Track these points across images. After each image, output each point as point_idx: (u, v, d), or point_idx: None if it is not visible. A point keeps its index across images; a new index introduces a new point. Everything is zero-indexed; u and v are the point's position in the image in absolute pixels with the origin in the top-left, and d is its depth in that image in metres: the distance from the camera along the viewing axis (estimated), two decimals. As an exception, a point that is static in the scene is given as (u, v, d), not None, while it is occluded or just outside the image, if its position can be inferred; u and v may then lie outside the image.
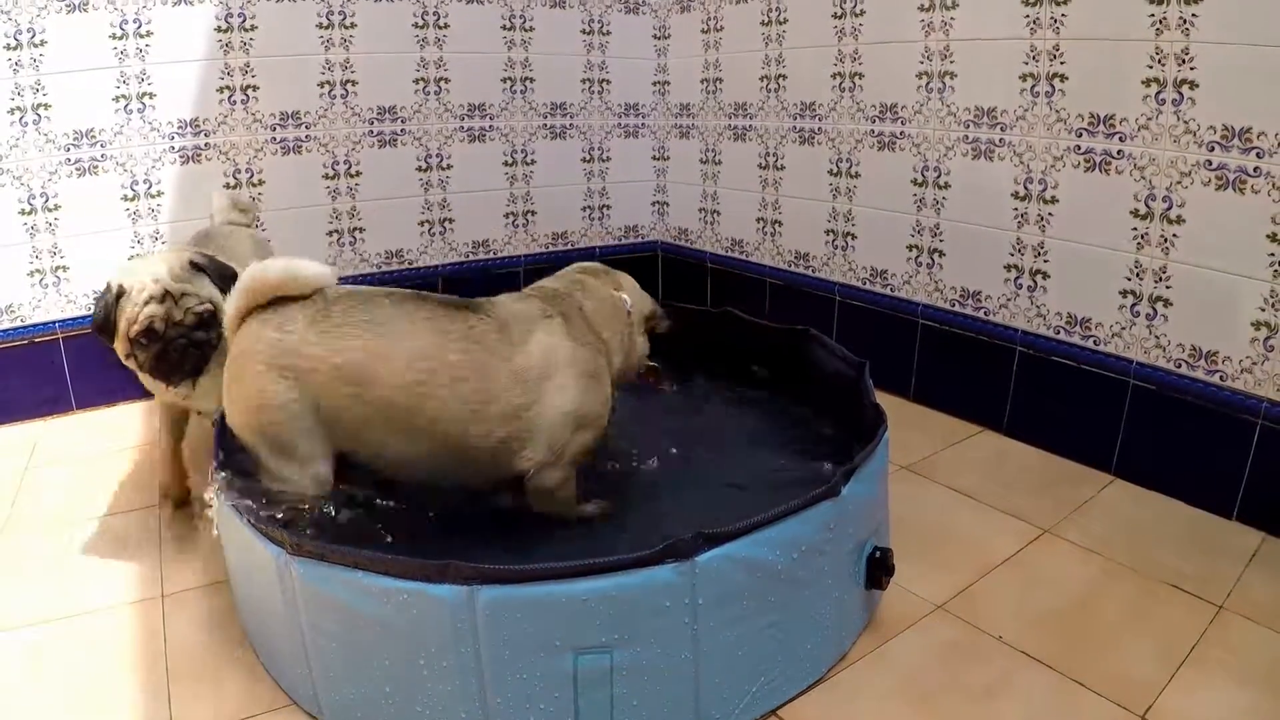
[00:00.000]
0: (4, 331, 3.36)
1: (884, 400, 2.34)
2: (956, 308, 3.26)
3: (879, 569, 1.97)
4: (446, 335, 2.05)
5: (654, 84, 4.64)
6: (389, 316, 2.04)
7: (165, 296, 2.32)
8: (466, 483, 2.20)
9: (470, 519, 2.26)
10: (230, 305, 2.06)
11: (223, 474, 2.01)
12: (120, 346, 2.36)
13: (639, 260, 4.77)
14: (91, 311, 2.44)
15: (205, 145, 3.57)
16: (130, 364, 2.40)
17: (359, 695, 1.72)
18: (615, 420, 2.42)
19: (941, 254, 3.29)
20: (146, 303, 2.30)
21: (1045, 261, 2.94)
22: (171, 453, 2.71)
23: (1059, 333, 2.94)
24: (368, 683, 1.70)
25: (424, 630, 1.60)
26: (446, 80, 4.01)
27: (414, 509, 2.25)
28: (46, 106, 3.28)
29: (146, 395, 3.35)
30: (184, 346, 2.35)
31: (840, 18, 3.52)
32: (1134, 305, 2.72)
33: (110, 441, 3.22)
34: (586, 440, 2.20)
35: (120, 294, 2.31)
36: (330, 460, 2.05)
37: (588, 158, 4.55)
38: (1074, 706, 1.82)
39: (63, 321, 3.45)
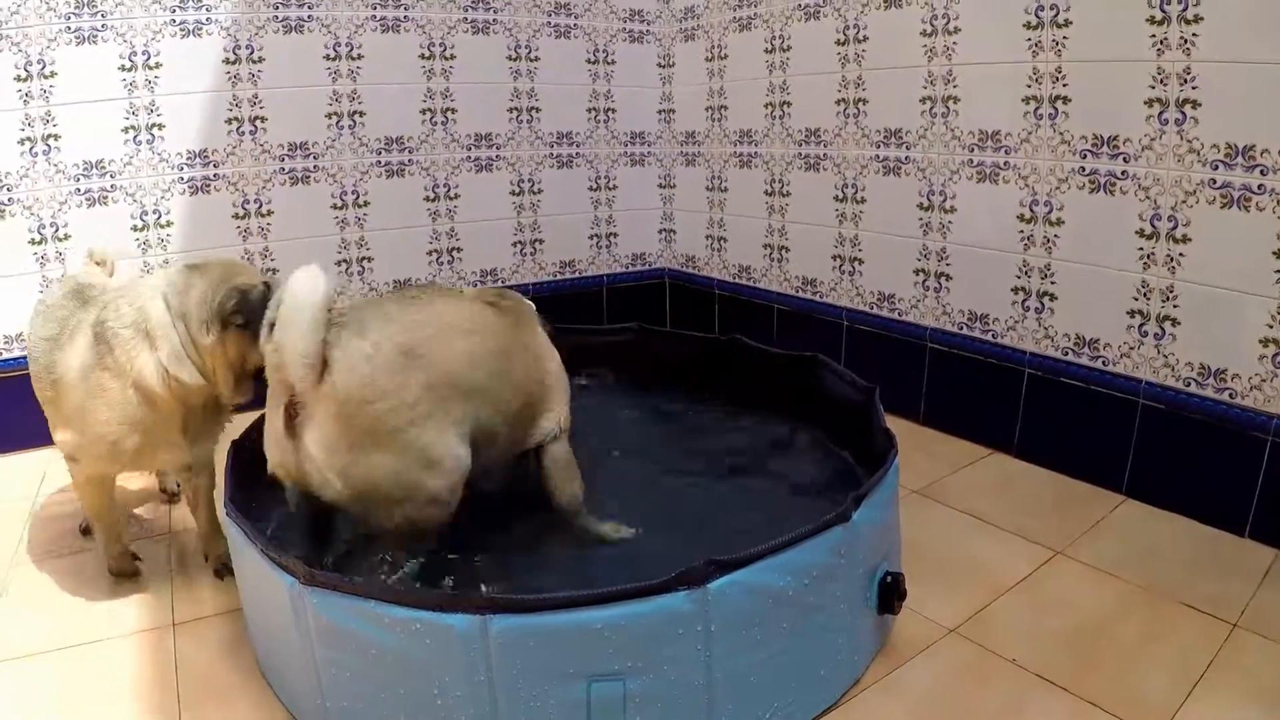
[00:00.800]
0: (16, 360, 3.37)
1: (893, 424, 2.35)
2: (964, 331, 3.26)
3: (891, 593, 1.96)
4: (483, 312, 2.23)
5: (659, 112, 4.67)
6: (428, 298, 2.17)
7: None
8: (496, 461, 2.25)
9: (487, 543, 2.26)
10: (306, 341, 1.86)
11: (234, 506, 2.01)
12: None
13: (647, 288, 4.80)
14: (242, 312, 2.18)
15: (214, 176, 3.60)
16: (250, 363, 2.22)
17: (372, 725, 1.72)
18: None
19: (949, 277, 3.30)
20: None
21: (1052, 283, 2.95)
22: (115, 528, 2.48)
23: (1067, 354, 2.94)
24: (381, 712, 1.69)
25: (437, 660, 1.60)
26: (453, 110, 4.05)
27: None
28: (56, 137, 3.31)
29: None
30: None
31: (843, 44, 3.54)
32: (1142, 325, 2.72)
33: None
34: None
35: (267, 289, 2.18)
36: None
37: (594, 186, 4.58)
38: (1089, 729, 1.81)
39: (73, 352, 3.45)
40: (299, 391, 1.88)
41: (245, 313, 2.14)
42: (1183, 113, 2.53)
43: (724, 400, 3.09)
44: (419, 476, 1.94)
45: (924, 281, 3.39)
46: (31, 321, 2.39)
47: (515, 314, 2.36)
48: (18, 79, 3.21)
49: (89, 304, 2.27)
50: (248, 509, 2.05)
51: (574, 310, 4.40)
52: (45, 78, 3.24)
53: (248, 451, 2.33)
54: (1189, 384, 2.63)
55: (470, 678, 1.59)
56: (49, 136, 3.29)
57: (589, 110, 4.46)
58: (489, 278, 4.32)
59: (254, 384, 2.23)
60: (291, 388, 1.88)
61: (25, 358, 3.27)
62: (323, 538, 2.16)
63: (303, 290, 1.88)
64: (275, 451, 1.98)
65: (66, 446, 2.25)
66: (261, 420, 2.10)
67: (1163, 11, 2.52)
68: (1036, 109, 2.90)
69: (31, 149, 3.28)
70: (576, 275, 4.61)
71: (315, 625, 1.70)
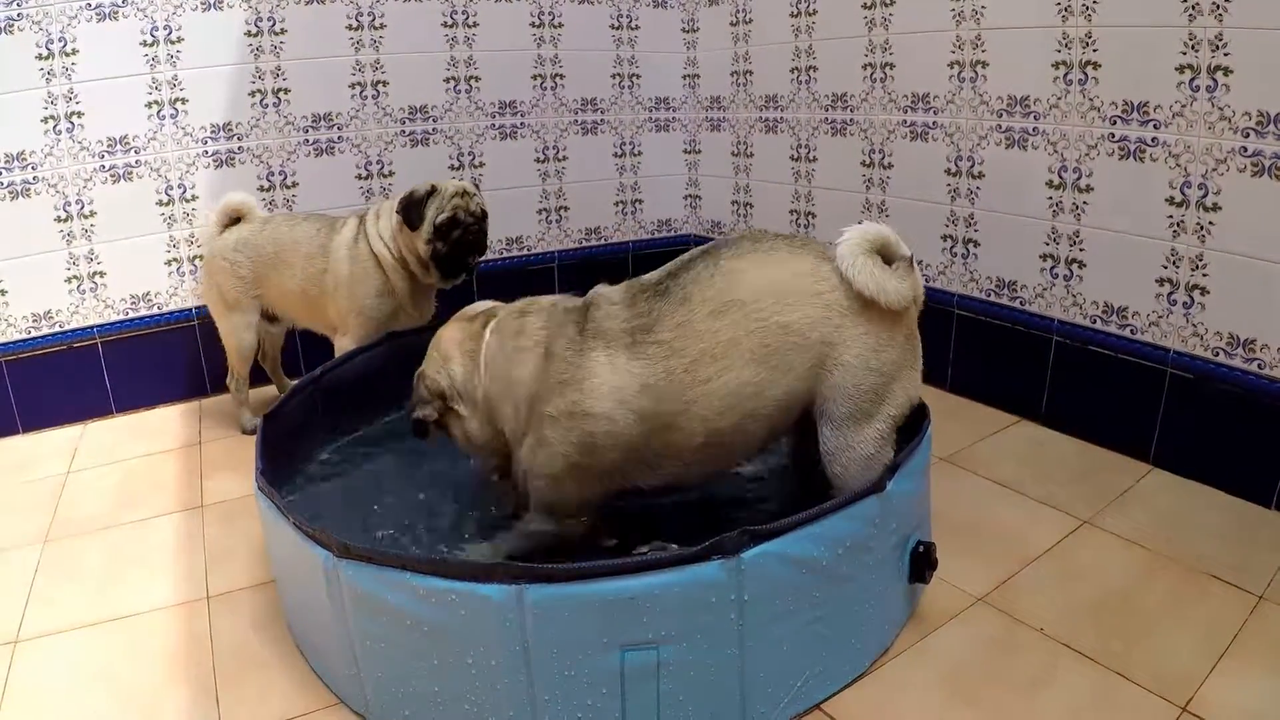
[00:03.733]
0: (43, 338, 3.40)
1: (922, 392, 2.34)
2: (992, 298, 3.25)
3: (922, 563, 1.97)
4: None
5: (684, 77, 4.63)
6: None
7: (464, 194, 3.00)
8: None
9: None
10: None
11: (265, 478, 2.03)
12: (421, 237, 2.96)
13: (672, 254, 4.75)
14: (399, 208, 2.98)
15: (238, 149, 3.60)
16: (420, 258, 3.01)
17: (407, 695, 1.74)
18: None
19: (976, 244, 3.28)
20: (452, 197, 2.97)
21: (1081, 250, 2.93)
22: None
23: (1095, 322, 2.92)
24: (416, 682, 1.72)
25: (472, 630, 1.62)
26: (477, 79, 4.03)
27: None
28: (79, 114, 3.32)
29: (189, 396, 3.43)
30: (477, 233, 3.02)
31: (870, 7, 3.50)
32: (1170, 294, 2.70)
33: (151, 444, 3.26)
34: None
35: (431, 191, 2.97)
36: None
37: (619, 152, 4.56)
38: (1116, 699, 1.81)
39: (101, 326, 3.50)
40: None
41: (404, 208, 2.96)
42: (1214, 79, 2.50)
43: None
44: None
45: (951, 248, 3.37)
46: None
47: None
48: (39, 57, 3.21)
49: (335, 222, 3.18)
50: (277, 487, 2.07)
51: (600, 277, 4.34)
52: (66, 55, 3.25)
53: (277, 426, 2.36)
54: (1217, 353, 2.61)
55: (505, 647, 1.61)
56: (72, 114, 3.30)
57: (613, 76, 4.43)
58: (514, 245, 4.32)
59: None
60: None
61: (54, 335, 3.31)
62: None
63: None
64: None
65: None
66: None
67: (1195, -25, 2.49)
68: (1066, 74, 2.86)
69: (55, 127, 3.29)
70: (602, 242, 4.61)
71: (350, 597, 1.72)
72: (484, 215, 3.06)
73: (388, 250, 3.04)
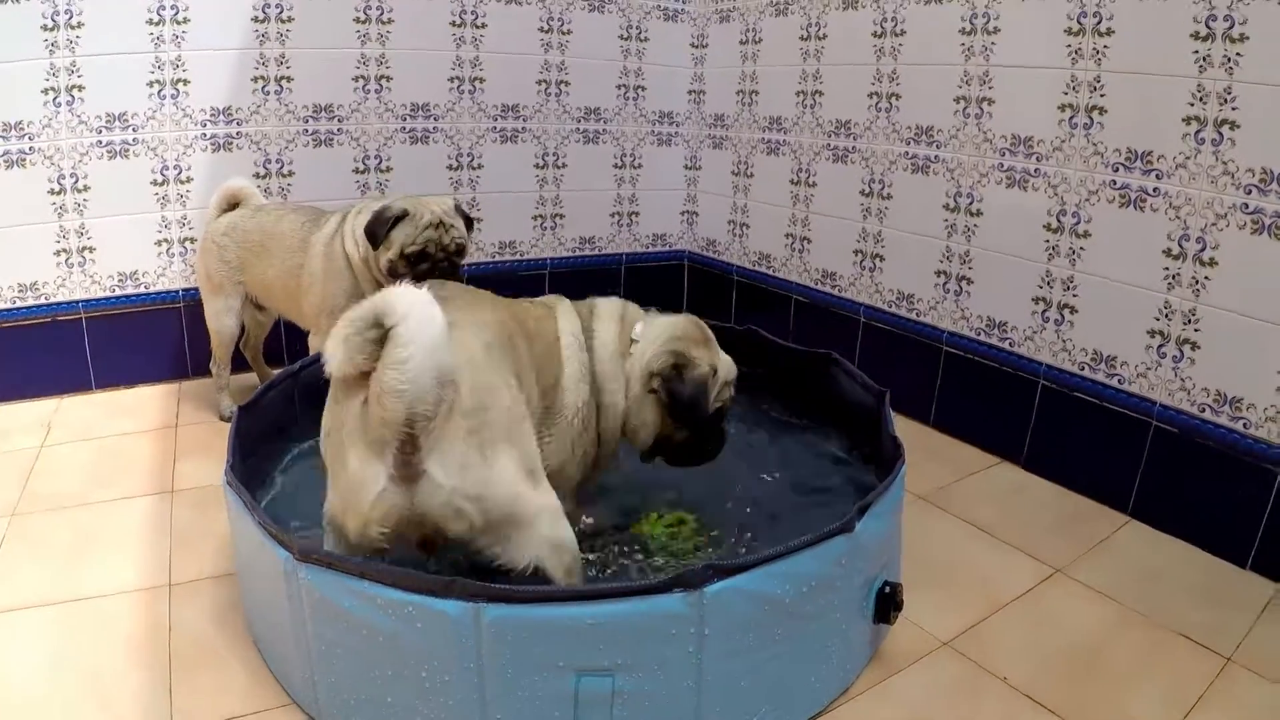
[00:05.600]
0: (28, 309, 3.38)
1: (904, 426, 2.33)
2: (982, 337, 3.23)
3: (888, 604, 1.95)
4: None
5: (689, 93, 4.62)
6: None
7: (440, 225, 2.80)
8: None
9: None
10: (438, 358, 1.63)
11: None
12: (384, 256, 2.80)
13: (666, 269, 4.78)
14: (366, 223, 2.82)
15: (237, 134, 3.58)
16: (382, 274, 2.82)
17: (359, 702, 1.72)
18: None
19: (970, 281, 3.26)
20: (425, 228, 2.78)
21: (1074, 296, 2.91)
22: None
23: (1083, 369, 2.91)
24: (369, 690, 1.70)
25: (428, 644, 1.60)
26: (481, 80, 4.02)
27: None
28: (80, 88, 3.30)
29: (170, 378, 3.40)
30: (445, 270, 2.81)
31: (880, 36, 3.50)
32: (1160, 346, 2.69)
33: (127, 423, 3.24)
34: None
35: (402, 215, 2.78)
36: None
37: (619, 164, 4.54)
38: (1076, 755, 1.80)
39: (87, 302, 3.47)
40: (429, 418, 1.65)
41: (369, 228, 2.79)
42: (1220, 133, 2.49)
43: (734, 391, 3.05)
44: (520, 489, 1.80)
45: (945, 284, 3.36)
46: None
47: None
48: (44, 28, 3.19)
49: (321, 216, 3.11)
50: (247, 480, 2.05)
51: (591, 287, 4.32)
52: (72, 28, 3.22)
53: (252, 418, 2.34)
54: (1204, 410, 2.60)
55: (460, 664, 1.59)
56: (73, 87, 3.28)
57: (618, 87, 4.42)
58: (507, 249, 4.30)
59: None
60: (409, 424, 1.62)
61: (39, 306, 3.29)
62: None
63: (420, 315, 1.61)
64: (376, 507, 1.71)
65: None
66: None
67: (1207, 27, 2.47)
68: (1071, 117, 2.85)
69: (55, 99, 3.26)
70: (596, 252, 4.59)
71: (308, 601, 1.70)
72: (460, 250, 2.88)
73: (358, 251, 2.92)
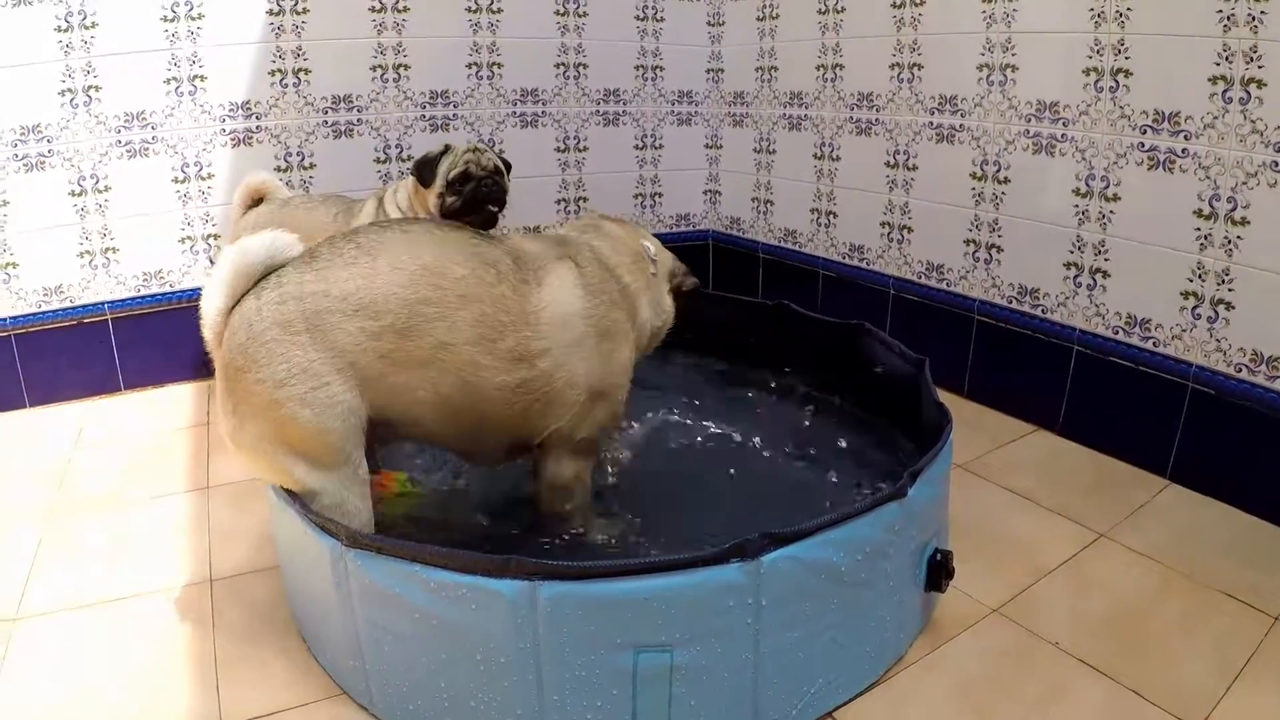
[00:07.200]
0: (53, 312, 3.39)
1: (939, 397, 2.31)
2: (1013, 304, 3.21)
3: (940, 571, 1.95)
4: (447, 246, 1.93)
5: (708, 71, 4.59)
6: (381, 238, 1.91)
7: (476, 150, 2.98)
8: (492, 449, 2.12)
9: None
10: (215, 297, 1.85)
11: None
12: (433, 195, 2.95)
13: (691, 249, 4.74)
14: (413, 166, 3.00)
15: (256, 128, 3.58)
16: (432, 208, 2.96)
17: (412, 688, 1.72)
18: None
19: (1000, 249, 3.24)
20: (464, 154, 2.95)
21: (1105, 260, 2.89)
22: None
23: (1117, 333, 2.88)
24: (422, 676, 1.70)
25: (483, 625, 1.59)
26: (499, 65, 4.00)
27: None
28: (97, 89, 3.30)
29: (199, 376, 3.40)
30: (491, 185, 2.96)
31: (900, 7, 3.46)
32: (1195, 307, 2.66)
33: (159, 422, 3.24)
34: (601, 415, 2.10)
35: (444, 150, 2.96)
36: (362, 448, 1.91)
37: (640, 145, 4.51)
38: (1130, 716, 1.78)
39: (112, 303, 3.48)
40: (210, 347, 1.86)
41: (416, 168, 2.98)
42: (1247, 92, 2.46)
43: (769, 366, 3.05)
44: (288, 463, 1.83)
45: (974, 253, 3.34)
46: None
47: (526, 268, 2.00)
48: (58, 29, 3.19)
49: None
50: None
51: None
52: (86, 29, 3.22)
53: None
54: (1240, 370, 2.57)
55: (516, 644, 1.58)
56: (89, 88, 3.28)
57: (636, 68, 4.39)
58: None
59: None
60: None
61: (64, 310, 3.30)
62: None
63: (241, 246, 1.84)
64: None
65: None
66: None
67: (1232, -15, 2.45)
68: (1097, 81, 2.82)
69: (72, 100, 3.26)
70: (619, 235, 4.55)
71: (357, 588, 1.70)
72: (498, 169, 3.00)
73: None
